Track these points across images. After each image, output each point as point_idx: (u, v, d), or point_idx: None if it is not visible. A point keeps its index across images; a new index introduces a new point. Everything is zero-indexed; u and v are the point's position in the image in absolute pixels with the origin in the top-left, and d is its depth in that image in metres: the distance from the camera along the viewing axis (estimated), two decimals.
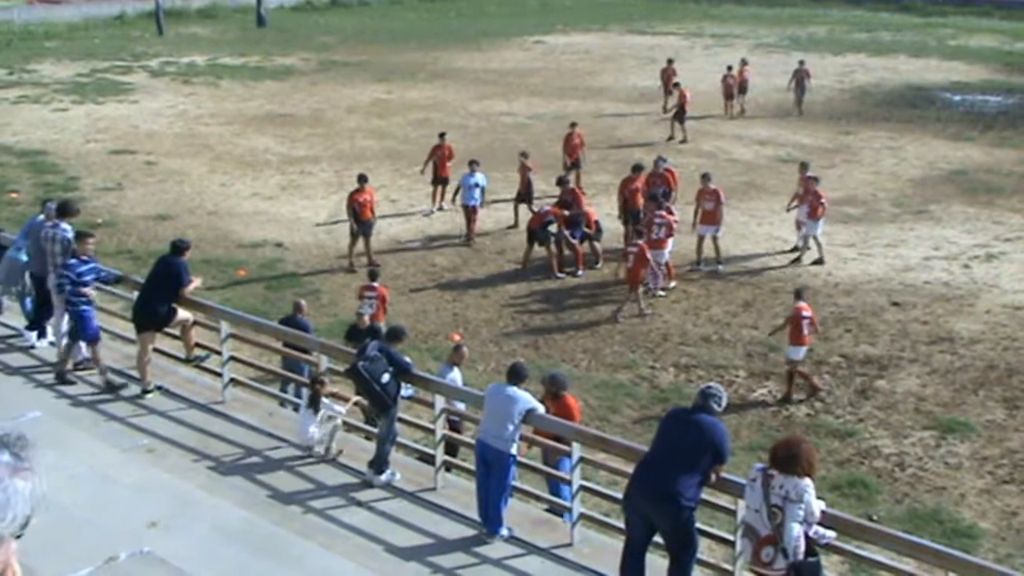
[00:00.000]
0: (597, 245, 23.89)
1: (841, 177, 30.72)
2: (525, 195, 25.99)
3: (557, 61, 51.75)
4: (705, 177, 24.12)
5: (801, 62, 40.21)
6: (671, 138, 34.82)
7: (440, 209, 27.36)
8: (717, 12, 70.17)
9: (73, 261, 14.83)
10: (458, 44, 56.56)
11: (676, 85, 36.78)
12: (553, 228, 23.17)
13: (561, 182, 24.74)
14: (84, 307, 14.71)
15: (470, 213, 25.25)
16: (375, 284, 18.59)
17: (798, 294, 18.37)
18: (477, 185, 25.16)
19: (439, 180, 27.56)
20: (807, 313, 17.89)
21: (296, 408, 14.94)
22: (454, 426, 13.95)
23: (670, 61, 41.41)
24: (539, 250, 23.47)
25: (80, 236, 15.18)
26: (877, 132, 36.36)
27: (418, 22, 66.39)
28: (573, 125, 30.10)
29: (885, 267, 23.49)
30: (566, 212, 23.55)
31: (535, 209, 25.08)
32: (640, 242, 21.27)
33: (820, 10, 69.84)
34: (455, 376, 14.05)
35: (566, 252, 23.51)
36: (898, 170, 31.59)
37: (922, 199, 28.62)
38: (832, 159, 32.76)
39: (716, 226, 23.43)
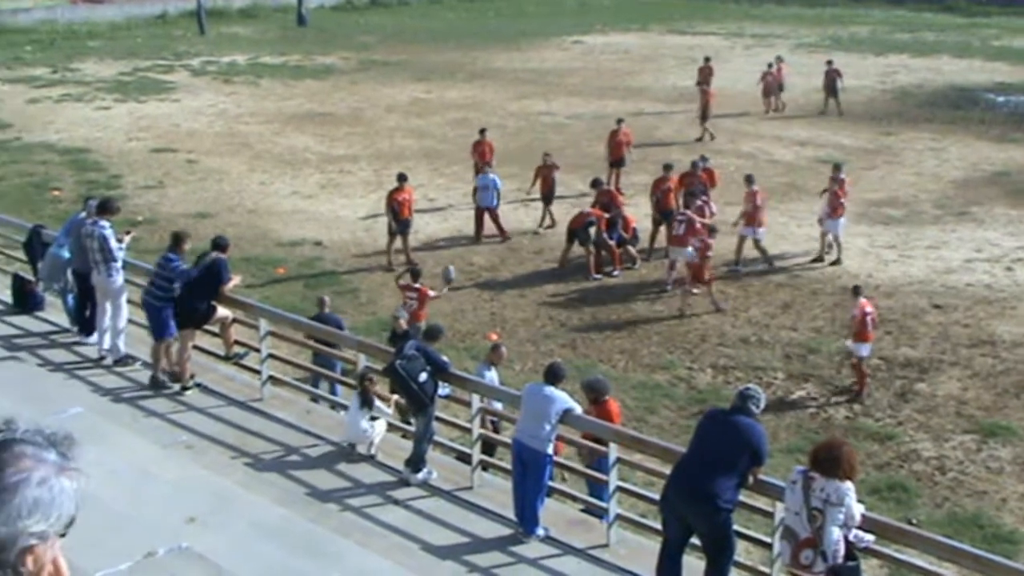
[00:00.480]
0: (631, 249, 23.88)
1: (882, 178, 30.51)
2: (548, 195, 25.95)
3: (596, 61, 51.64)
4: (748, 179, 24.05)
5: (829, 62, 40.00)
6: (700, 139, 34.71)
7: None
8: (758, 12, 69.82)
9: (175, 259, 14.82)
10: (497, 44, 56.56)
11: (699, 84, 36.67)
12: (593, 230, 23.15)
13: (596, 184, 24.73)
14: (166, 305, 14.74)
15: (490, 214, 25.19)
16: (417, 284, 18.54)
17: (857, 291, 18.33)
18: (493, 186, 25.08)
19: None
20: (870, 309, 17.94)
21: (333, 406, 15.03)
22: (493, 426, 13.97)
23: (707, 59, 41.31)
24: (576, 250, 23.45)
25: (178, 238, 15.20)
26: (919, 133, 36.07)
27: (457, 22, 66.45)
28: (620, 122, 30.09)
29: (926, 269, 23.30)
30: (606, 214, 23.56)
31: (550, 210, 25.82)
32: (710, 241, 21.45)
33: (861, 10, 69.33)
34: (492, 376, 14.06)
35: (603, 253, 23.50)
36: (940, 171, 31.33)
37: (964, 201, 28.37)
38: (873, 160, 32.53)
39: (753, 228, 23.34)
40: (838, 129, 36.54)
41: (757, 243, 23.48)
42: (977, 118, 38.53)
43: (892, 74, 47.13)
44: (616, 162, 29.24)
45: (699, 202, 23.48)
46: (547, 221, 26.14)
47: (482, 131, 28.81)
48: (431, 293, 18.49)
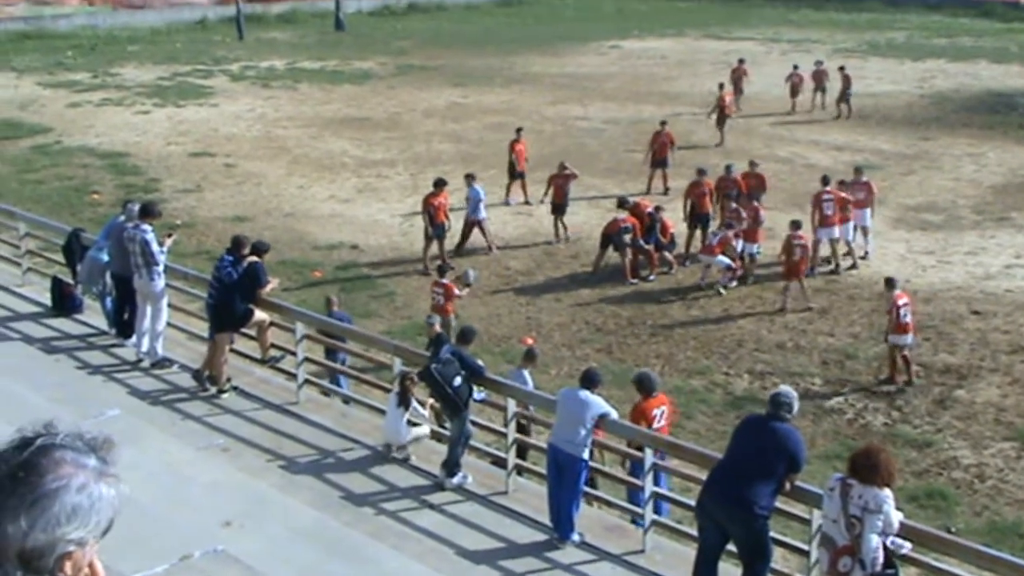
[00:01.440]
0: (668, 254, 23.80)
1: (921, 183, 30.25)
2: (561, 206, 25.59)
3: (633, 66, 51.50)
4: (824, 180, 24.17)
5: (818, 62, 40.04)
6: (720, 144, 34.54)
7: (527, 203, 27.97)
8: (795, 17, 69.43)
9: (226, 260, 14.92)
10: (534, 48, 56.51)
11: (721, 86, 36.52)
12: (628, 237, 23.06)
13: (622, 204, 24.14)
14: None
15: (479, 226, 24.58)
16: (444, 280, 19.06)
17: (890, 284, 18.38)
18: (476, 198, 24.42)
19: (516, 175, 28.16)
20: (903, 301, 17.98)
21: (346, 400, 15.10)
22: (522, 428, 13.90)
23: (741, 61, 41.28)
24: (611, 255, 23.37)
25: (236, 241, 15.23)
26: (957, 138, 35.74)
27: (495, 26, 66.46)
28: (663, 123, 30.24)
29: (965, 275, 23.06)
30: (647, 216, 23.57)
31: (563, 221, 25.44)
32: (802, 234, 21.46)
33: (898, 15, 68.85)
34: (529, 379, 14.00)
35: (640, 257, 23.43)
36: (979, 176, 31.03)
37: (1003, 206, 28.08)
38: (911, 165, 32.25)
39: (831, 228, 23.34)
40: (876, 134, 36.27)
41: (833, 244, 23.57)
42: (1015, 123, 38.15)
43: (929, 79, 46.74)
44: (660, 162, 29.33)
45: (733, 205, 23.43)
46: (562, 233, 25.50)
47: (518, 130, 29.27)
48: (456, 290, 18.95)
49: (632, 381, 13.57)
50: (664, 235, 23.84)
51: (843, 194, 23.57)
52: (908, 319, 17.99)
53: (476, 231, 24.75)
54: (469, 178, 25.03)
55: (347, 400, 15.49)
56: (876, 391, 17.85)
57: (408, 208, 27.35)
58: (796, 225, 21.75)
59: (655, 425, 12.65)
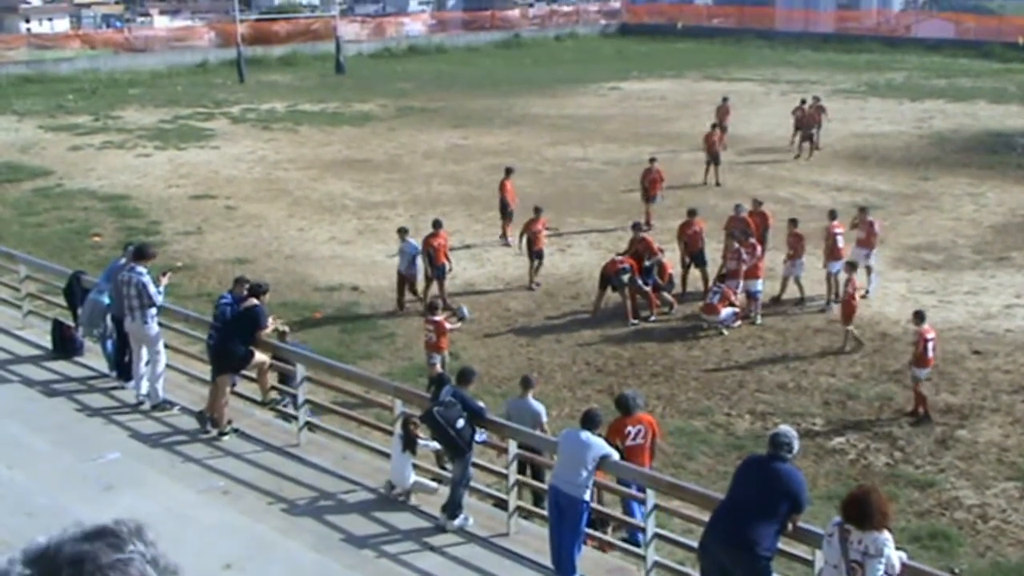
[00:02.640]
0: (667, 295, 23.86)
1: (921, 223, 30.34)
2: (540, 252, 25.29)
3: (632, 107, 51.75)
4: (832, 214, 24.59)
5: (802, 101, 40.33)
6: (718, 183, 34.73)
7: (509, 244, 27.96)
8: (793, 58, 69.80)
9: (225, 297, 15.02)
10: (534, 90, 56.79)
11: (715, 126, 36.69)
12: (626, 277, 23.12)
13: (636, 227, 24.83)
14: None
15: (410, 281, 23.72)
16: (435, 317, 18.96)
17: (919, 317, 18.46)
18: (411, 251, 23.57)
19: (508, 213, 28.29)
20: (931, 336, 18.12)
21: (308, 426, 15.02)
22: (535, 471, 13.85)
23: (724, 99, 41.63)
24: (612, 296, 23.40)
25: (237, 280, 15.48)
26: (957, 178, 35.86)
27: (494, 69, 66.80)
28: (652, 160, 30.53)
29: (966, 315, 23.08)
30: (645, 260, 23.59)
31: (540, 267, 25.20)
32: (854, 277, 21.48)
33: (897, 56, 69.21)
34: (535, 406, 13.99)
35: (639, 298, 23.47)
36: (979, 216, 31.13)
37: (1003, 246, 28.15)
38: (911, 205, 32.36)
39: (841, 262, 23.50)
40: (875, 174, 36.39)
41: (868, 269, 24.05)
42: (1014, 163, 38.30)
43: (928, 119, 46.95)
44: (650, 199, 29.83)
45: (736, 245, 23.49)
46: (537, 279, 25.29)
47: (508, 170, 29.20)
48: (448, 325, 18.98)
49: (614, 401, 13.95)
50: (662, 277, 23.93)
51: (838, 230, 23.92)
52: (932, 355, 18.15)
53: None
54: (403, 232, 24.23)
55: (308, 426, 15.47)
56: (878, 431, 17.83)
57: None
58: (851, 267, 21.82)
59: (628, 442, 12.91)
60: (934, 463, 16.81)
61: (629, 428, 13.12)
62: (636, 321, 22.94)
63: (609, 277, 23.26)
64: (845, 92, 53.73)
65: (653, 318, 23.29)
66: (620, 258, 23.47)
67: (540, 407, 14.14)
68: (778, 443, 9.84)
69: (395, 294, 23.88)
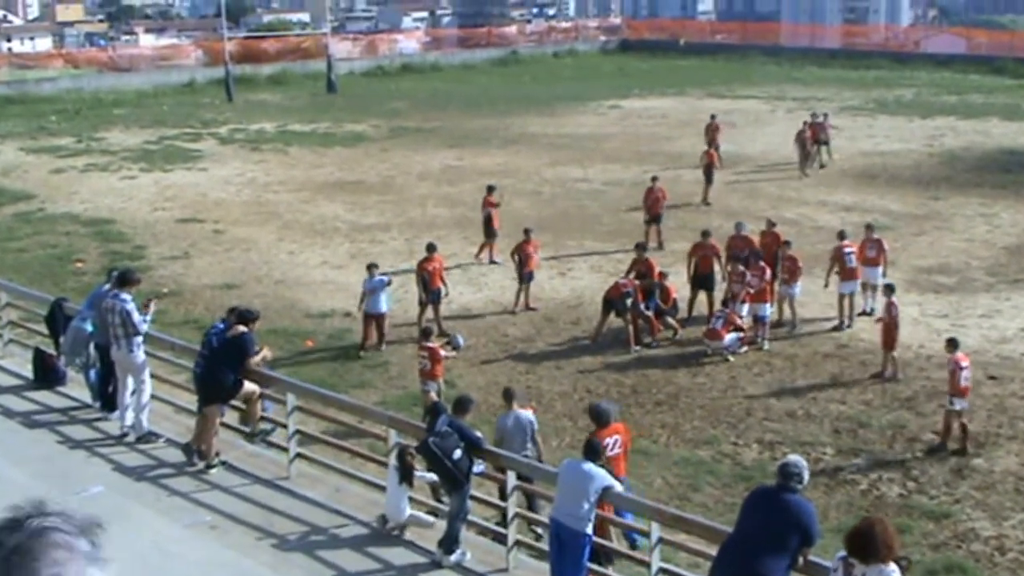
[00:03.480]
0: (671, 320, 23.86)
1: (932, 244, 30.36)
2: (531, 274, 25.41)
3: (634, 126, 51.84)
4: (841, 235, 24.70)
5: (823, 115, 40.88)
6: (704, 201, 35.04)
7: (493, 261, 28.39)
8: (799, 75, 69.99)
9: (217, 327, 15.04)
10: (531, 109, 56.91)
11: (716, 145, 36.90)
12: (629, 301, 23.11)
13: (639, 247, 24.95)
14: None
15: (376, 320, 22.92)
16: (429, 343, 18.96)
17: (954, 345, 18.36)
18: (381, 287, 22.92)
19: (492, 233, 28.58)
20: (965, 363, 17.99)
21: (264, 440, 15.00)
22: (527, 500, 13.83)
23: (713, 117, 42.00)
24: (614, 321, 23.38)
25: (230, 309, 15.53)
26: (969, 198, 35.91)
27: (491, 87, 66.95)
28: (654, 179, 30.80)
29: (980, 339, 23.07)
30: (645, 279, 23.64)
31: (528, 289, 25.23)
32: (894, 299, 21.39)
33: (907, 72, 69.38)
34: (527, 418, 14.32)
35: (640, 323, 23.45)
36: (992, 237, 31.15)
37: (1018, 267, 28.16)
38: (922, 225, 32.39)
39: (853, 282, 24.04)
40: (885, 193, 36.45)
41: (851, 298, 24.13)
42: None
43: (939, 137, 47.05)
44: (654, 219, 29.96)
45: (740, 268, 23.49)
46: (521, 302, 25.33)
47: (490, 188, 29.40)
48: (443, 353, 18.93)
49: (588, 412, 14.19)
50: (666, 301, 23.89)
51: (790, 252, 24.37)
52: (967, 383, 18.04)
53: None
54: (372, 268, 23.32)
55: (299, 458, 15.42)
56: (890, 460, 17.79)
57: (403, 274, 27.38)
58: (890, 289, 21.75)
59: (607, 454, 13.01)
60: (949, 493, 16.76)
61: (607, 440, 13.33)
62: (639, 348, 22.91)
63: (613, 302, 23.22)
64: (853, 109, 53.86)
65: (655, 344, 23.27)
66: (624, 281, 23.47)
67: (531, 416, 14.63)
68: (787, 473, 9.79)
69: (363, 336, 22.91)
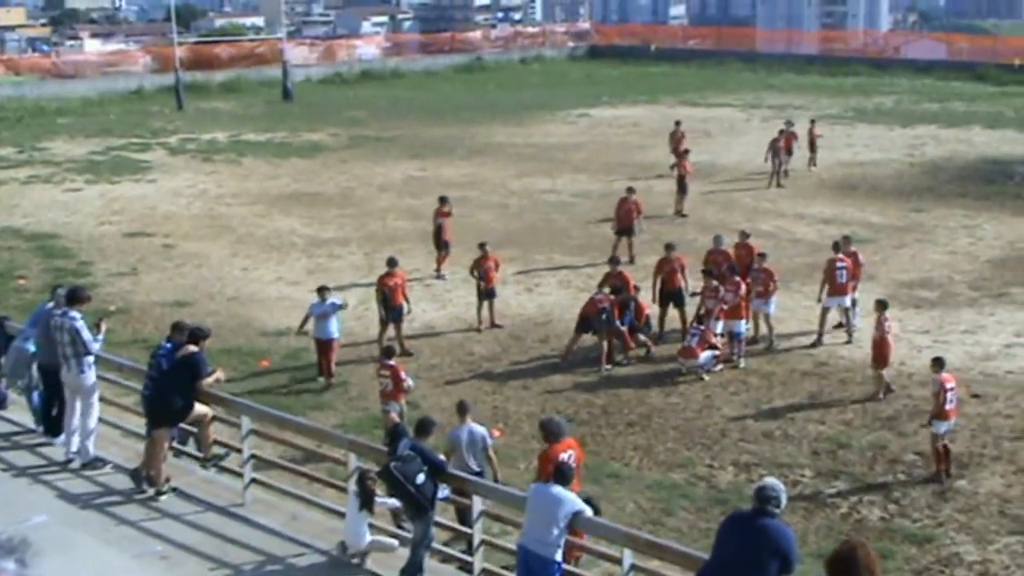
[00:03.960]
0: (643, 336, 23.94)
1: (913, 258, 30.57)
2: (492, 291, 25.45)
3: (604, 135, 52.02)
4: (836, 247, 24.79)
5: (781, 130, 41.34)
6: (679, 212, 35.44)
7: (442, 278, 28.57)
8: (776, 82, 70.43)
9: (164, 347, 14.93)
10: (497, 118, 57.02)
11: (686, 152, 37.08)
12: (604, 317, 23.16)
13: (613, 261, 25.06)
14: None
15: (325, 346, 22.26)
16: (390, 362, 18.83)
17: (940, 364, 18.30)
18: (332, 310, 22.31)
19: (443, 245, 28.70)
20: (951, 384, 18.00)
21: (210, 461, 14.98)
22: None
23: (677, 124, 42.54)
24: (587, 339, 23.40)
25: (176, 326, 15.30)
26: (951, 209, 36.21)
27: (454, 95, 67.04)
28: (630, 191, 30.84)
29: (963, 355, 23.23)
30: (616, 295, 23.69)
31: (492, 305, 25.27)
32: (887, 316, 21.46)
33: (886, 79, 69.94)
34: (482, 432, 14.77)
35: (614, 341, 23.50)
36: (975, 250, 31.40)
37: (1002, 281, 28.39)
38: (903, 238, 32.62)
39: (842, 297, 24.20)
40: (864, 205, 36.69)
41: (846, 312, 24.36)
42: (1012, 193, 38.70)
43: (920, 146, 47.44)
44: (626, 230, 30.06)
45: (715, 283, 23.52)
46: (486, 319, 25.42)
47: (442, 199, 29.42)
48: (403, 375, 18.74)
49: (539, 427, 14.25)
50: (639, 318, 24.00)
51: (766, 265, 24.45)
52: (954, 404, 18.06)
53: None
54: (322, 291, 22.67)
55: (254, 484, 15.37)
56: (871, 483, 17.87)
57: (362, 290, 27.37)
58: (882, 306, 21.80)
59: None
60: (932, 516, 16.86)
61: (562, 455, 13.37)
62: (609, 367, 22.95)
63: (589, 319, 23.18)
64: (831, 117, 54.18)
65: (627, 362, 23.32)
66: (600, 296, 23.45)
67: (483, 430, 15.06)
68: (765, 497, 9.79)
69: (318, 362, 22.42)
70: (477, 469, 14.68)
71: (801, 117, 52.47)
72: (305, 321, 22.50)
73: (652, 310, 24.63)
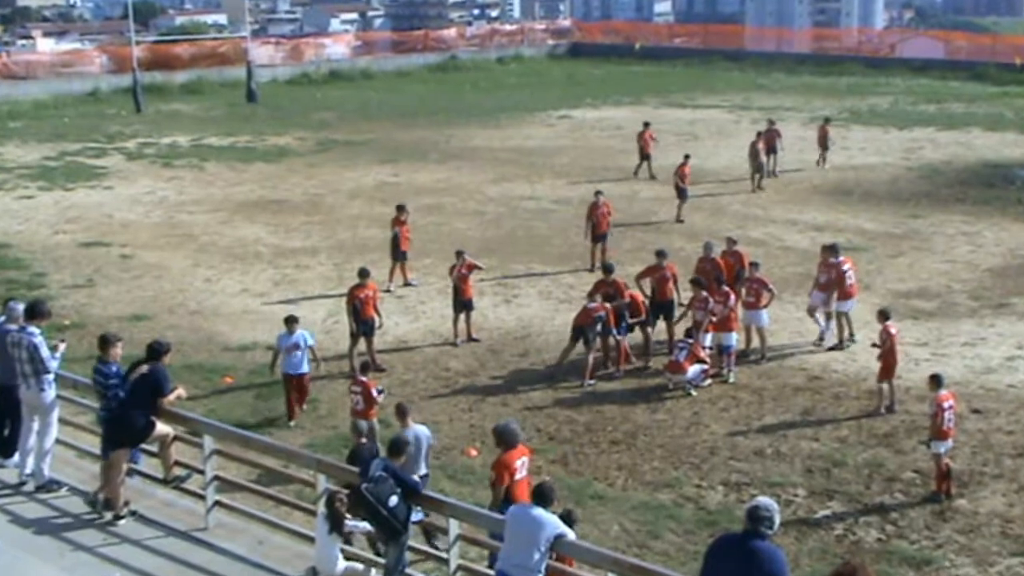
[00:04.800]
0: (650, 331, 23.93)
1: (911, 266, 30.70)
2: (469, 302, 25.44)
3: (586, 138, 52.13)
4: (827, 253, 25.05)
5: (759, 132, 42.28)
6: (679, 219, 35.81)
7: (407, 284, 28.70)
8: (765, 82, 70.70)
9: (107, 366, 14.87)
10: (474, 120, 57.08)
11: (687, 157, 37.25)
12: (599, 327, 23.19)
13: (607, 269, 24.97)
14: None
15: (296, 382, 21.32)
16: (363, 378, 18.92)
17: (938, 382, 18.24)
18: (303, 345, 21.32)
19: (399, 255, 28.82)
20: (950, 403, 18.03)
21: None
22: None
23: (646, 125, 43.60)
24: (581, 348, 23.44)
25: (104, 341, 15.17)
26: (950, 215, 36.38)
27: (428, 96, 67.09)
28: (598, 194, 31.19)
29: (963, 369, 23.34)
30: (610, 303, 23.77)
31: (469, 318, 25.31)
32: (890, 325, 21.51)
33: (882, 79, 70.29)
34: (426, 433, 15.77)
35: (608, 354, 23.55)
36: (975, 258, 31.55)
37: (1003, 291, 28.54)
38: (899, 246, 32.76)
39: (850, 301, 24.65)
40: (859, 211, 36.84)
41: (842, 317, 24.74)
42: (1013, 198, 38.91)
43: (917, 149, 47.68)
44: (600, 237, 30.41)
45: (703, 293, 23.47)
46: (463, 332, 25.42)
47: (399, 207, 29.65)
48: (375, 391, 18.79)
49: (493, 433, 14.72)
50: (637, 311, 23.87)
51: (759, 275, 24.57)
52: (952, 424, 18.07)
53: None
54: (291, 322, 21.61)
55: (218, 507, 15.34)
56: (868, 503, 17.92)
57: (332, 303, 27.36)
58: (884, 316, 21.86)
59: (518, 476, 13.80)
60: (931, 537, 16.92)
61: (517, 463, 13.98)
62: (593, 381, 22.97)
63: (583, 330, 23.19)
64: (824, 120, 54.36)
65: (619, 374, 23.36)
66: (594, 305, 23.46)
67: (426, 431, 16.05)
68: (757, 517, 9.78)
69: (286, 399, 21.41)
70: (425, 472, 15.66)
71: (791, 118, 52.81)
72: (275, 359, 21.69)
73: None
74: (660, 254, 25.12)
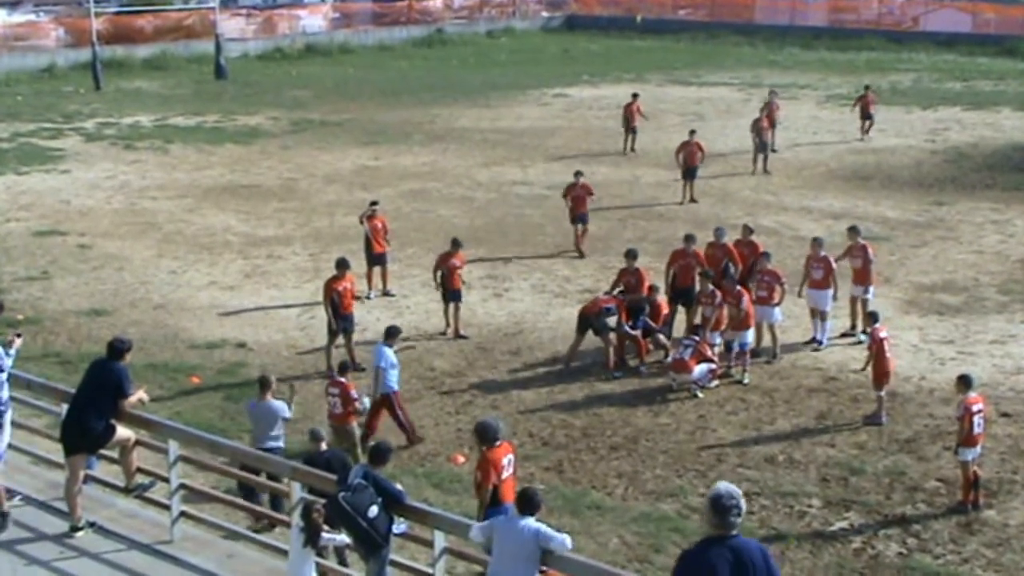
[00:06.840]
0: (661, 338, 23.92)
1: (935, 257, 30.71)
2: (457, 293, 25.42)
3: (583, 118, 52.12)
4: (816, 247, 24.92)
5: (761, 108, 42.82)
6: (685, 201, 36.23)
7: (368, 298, 27.46)
8: (777, 58, 70.71)
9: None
10: (462, 99, 57.06)
11: (692, 133, 37.31)
12: (612, 321, 23.19)
13: (631, 255, 24.83)
14: None
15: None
16: (341, 379, 18.86)
17: (967, 383, 18.10)
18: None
19: (374, 259, 27.95)
20: (979, 406, 17.92)
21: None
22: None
23: (635, 96, 44.55)
24: (590, 342, 23.44)
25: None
26: (978, 202, 36.41)
27: (412, 72, 67.03)
28: (578, 174, 31.85)
29: (991, 369, 23.35)
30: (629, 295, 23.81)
31: (458, 309, 25.32)
32: (879, 327, 21.36)
33: (904, 54, 70.33)
34: (280, 406, 16.81)
35: (626, 343, 23.62)
36: (1005, 248, 31.58)
37: None
38: (923, 235, 32.77)
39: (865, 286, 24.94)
40: (879, 198, 36.86)
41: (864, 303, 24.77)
42: None
43: (943, 131, 47.70)
44: (580, 217, 31.12)
45: (711, 287, 23.46)
46: (451, 327, 25.53)
47: (373, 203, 28.99)
48: (354, 394, 18.73)
49: (473, 431, 15.01)
50: (656, 318, 23.92)
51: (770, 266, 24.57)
52: (981, 429, 17.95)
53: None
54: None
55: (184, 517, 15.34)
56: (888, 514, 17.93)
57: (307, 296, 27.33)
58: (873, 318, 21.81)
59: (504, 474, 14.15)
60: (956, 552, 16.94)
61: (503, 460, 14.31)
62: (620, 373, 23.02)
63: (589, 319, 23.25)
64: (841, 98, 54.41)
65: (644, 368, 23.38)
66: (605, 297, 23.52)
67: (281, 405, 16.95)
68: (724, 508, 8.73)
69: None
70: (273, 444, 16.72)
71: (806, 97, 52.84)
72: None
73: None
74: (688, 238, 25.26)
